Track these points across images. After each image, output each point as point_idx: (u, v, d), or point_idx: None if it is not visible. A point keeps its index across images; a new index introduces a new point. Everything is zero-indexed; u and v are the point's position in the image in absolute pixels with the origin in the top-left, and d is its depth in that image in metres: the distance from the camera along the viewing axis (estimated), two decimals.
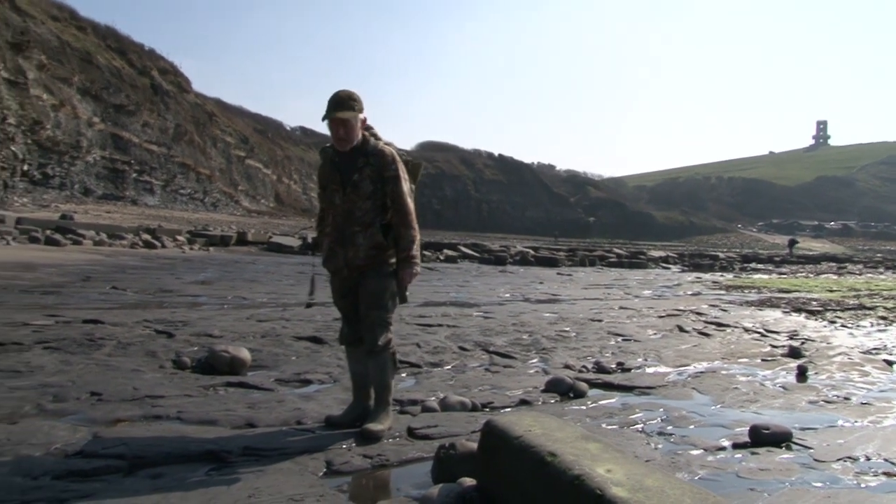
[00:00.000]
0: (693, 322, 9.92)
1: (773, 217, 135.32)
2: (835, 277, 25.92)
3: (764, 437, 4.05)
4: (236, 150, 65.61)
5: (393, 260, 3.91)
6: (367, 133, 3.93)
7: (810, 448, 4.01)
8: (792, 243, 52.55)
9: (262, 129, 77.17)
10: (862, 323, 10.51)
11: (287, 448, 3.55)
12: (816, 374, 6.45)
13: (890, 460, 3.84)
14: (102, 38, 52.15)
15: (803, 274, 28.74)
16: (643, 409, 4.87)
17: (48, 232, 19.95)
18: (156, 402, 4.29)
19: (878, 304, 13.32)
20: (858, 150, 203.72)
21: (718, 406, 5.09)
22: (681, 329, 9.10)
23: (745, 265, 36.16)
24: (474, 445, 3.13)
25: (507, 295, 13.87)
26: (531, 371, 6.09)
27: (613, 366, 6.39)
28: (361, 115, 3.83)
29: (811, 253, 57.45)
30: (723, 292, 17.05)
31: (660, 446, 3.98)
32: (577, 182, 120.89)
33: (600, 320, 9.70)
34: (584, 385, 5.35)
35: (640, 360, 6.81)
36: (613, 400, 5.16)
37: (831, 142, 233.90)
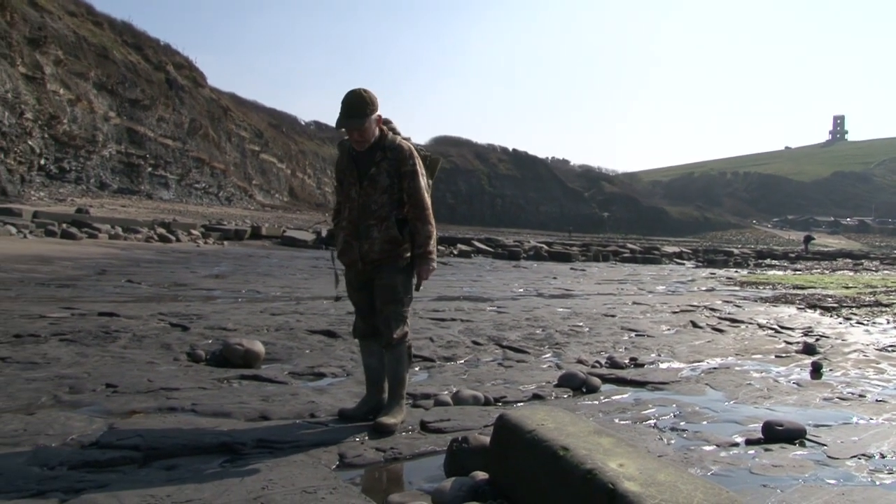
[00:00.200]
0: (707, 318, 9.88)
1: (788, 213, 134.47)
2: (851, 274, 25.71)
3: (777, 434, 4.03)
4: (251, 144, 65.78)
5: (408, 254, 3.91)
6: (384, 127, 3.93)
7: (824, 445, 3.98)
8: (807, 239, 52.15)
9: (276, 124, 77.29)
10: (878, 320, 10.42)
11: (300, 441, 3.57)
12: (831, 370, 6.40)
13: None
14: (119, 33, 52.36)
15: (818, 270, 28.52)
16: (656, 404, 4.86)
17: (64, 225, 20.12)
18: (170, 394, 4.33)
19: (894, 302, 13.19)
20: (876, 146, 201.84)
21: (732, 402, 5.07)
22: (694, 325, 9.06)
23: (760, 261, 35.95)
24: (487, 439, 3.14)
25: (521, 290, 13.86)
26: (544, 366, 6.09)
27: (626, 361, 6.38)
28: (375, 115, 3.83)
29: (827, 249, 57.04)
30: (737, 288, 16.95)
31: (672, 442, 3.97)
32: (591, 177, 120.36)
33: (613, 315, 9.68)
34: (596, 380, 5.35)
35: (653, 355, 6.79)
36: (626, 395, 5.16)
37: (848, 137, 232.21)
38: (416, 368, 5.62)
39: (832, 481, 3.42)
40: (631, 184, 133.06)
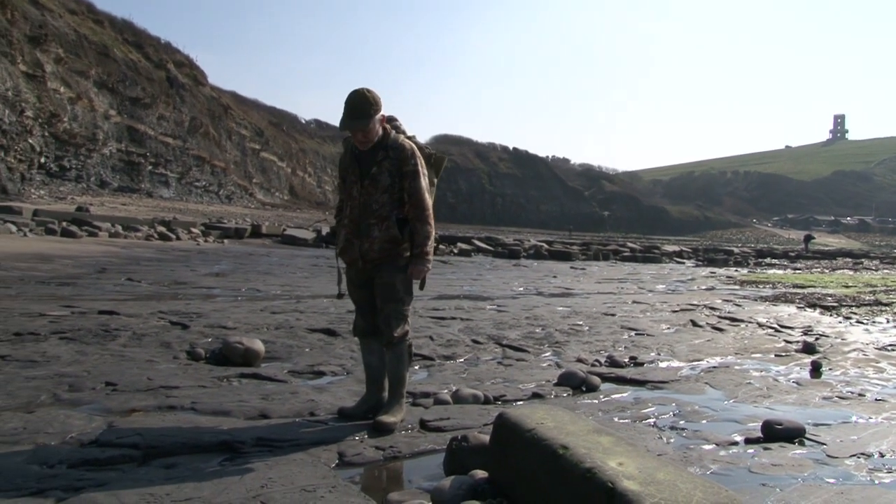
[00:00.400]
0: (707, 317, 9.88)
1: (788, 212, 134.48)
2: (851, 273, 25.71)
3: (777, 433, 4.03)
4: (251, 142, 65.74)
5: (408, 254, 3.91)
6: (388, 126, 3.93)
7: (823, 444, 3.98)
8: (808, 239, 52.11)
9: (276, 122, 77.23)
10: (878, 319, 10.43)
11: (300, 439, 3.57)
12: (830, 369, 6.41)
13: None
14: (119, 31, 52.34)
15: (818, 269, 28.52)
16: (655, 403, 4.86)
17: (64, 224, 20.11)
18: (170, 392, 4.33)
19: (894, 301, 13.19)
20: (877, 145, 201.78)
21: (731, 401, 5.07)
22: (694, 324, 9.06)
23: (760, 260, 35.93)
24: (486, 438, 3.14)
25: (521, 288, 13.86)
26: (544, 364, 6.09)
27: (626, 360, 6.38)
28: (379, 115, 3.83)
29: (827, 248, 57.03)
30: (737, 287, 16.95)
31: (672, 440, 3.98)
32: (591, 176, 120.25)
33: (613, 314, 9.68)
34: (596, 379, 5.35)
35: (652, 354, 6.80)
36: (626, 394, 5.16)
37: (849, 136, 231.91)
38: (416, 367, 5.62)
39: (831, 480, 3.42)
40: (631, 183, 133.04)
